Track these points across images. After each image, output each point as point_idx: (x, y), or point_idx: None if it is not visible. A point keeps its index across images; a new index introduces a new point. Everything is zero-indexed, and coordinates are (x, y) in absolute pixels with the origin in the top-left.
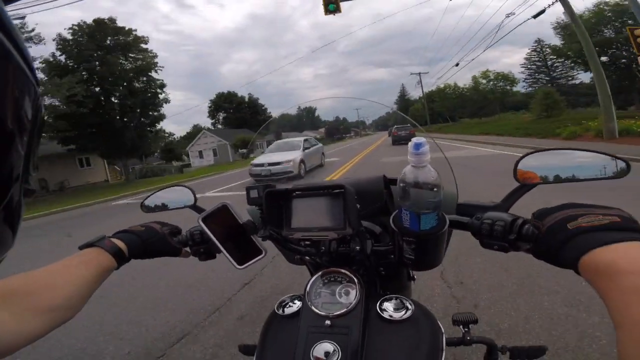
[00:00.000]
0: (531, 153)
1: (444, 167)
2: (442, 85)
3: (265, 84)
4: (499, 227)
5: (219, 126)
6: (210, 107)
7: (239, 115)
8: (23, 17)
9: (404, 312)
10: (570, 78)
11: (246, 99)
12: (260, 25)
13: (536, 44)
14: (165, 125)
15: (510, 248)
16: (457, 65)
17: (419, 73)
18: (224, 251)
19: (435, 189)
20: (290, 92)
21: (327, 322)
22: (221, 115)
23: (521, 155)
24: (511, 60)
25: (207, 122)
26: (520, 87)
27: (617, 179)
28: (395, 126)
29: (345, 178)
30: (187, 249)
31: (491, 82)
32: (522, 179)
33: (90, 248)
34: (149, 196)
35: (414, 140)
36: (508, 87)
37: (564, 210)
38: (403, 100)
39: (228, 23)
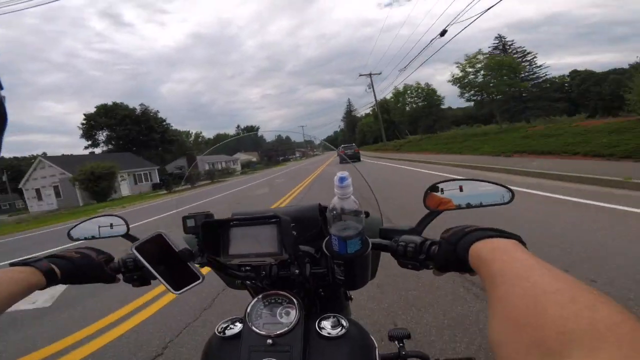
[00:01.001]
0: (441, 182)
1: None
2: (401, 88)
3: (209, 103)
4: (411, 249)
5: (97, 150)
6: (83, 124)
7: (124, 134)
8: None
9: (339, 329)
10: (538, 79)
11: (138, 112)
12: (204, 45)
13: (497, 41)
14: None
15: (421, 266)
16: (442, 35)
17: (370, 74)
18: (159, 277)
19: (358, 217)
20: (236, 113)
21: (269, 341)
22: (102, 135)
23: (431, 184)
24: (443, 77)
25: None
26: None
27: (508, 204)
28: (342, 146)
29: (282, 207)
30: (120, 276)
31: (481, 73)
32: (436, 206)
33: (24, 267)
34: (76, 225)
35: (339, 174)
36: (512, 78)
37: (465, 224)
38: (349, 117)
39: (168, 42)
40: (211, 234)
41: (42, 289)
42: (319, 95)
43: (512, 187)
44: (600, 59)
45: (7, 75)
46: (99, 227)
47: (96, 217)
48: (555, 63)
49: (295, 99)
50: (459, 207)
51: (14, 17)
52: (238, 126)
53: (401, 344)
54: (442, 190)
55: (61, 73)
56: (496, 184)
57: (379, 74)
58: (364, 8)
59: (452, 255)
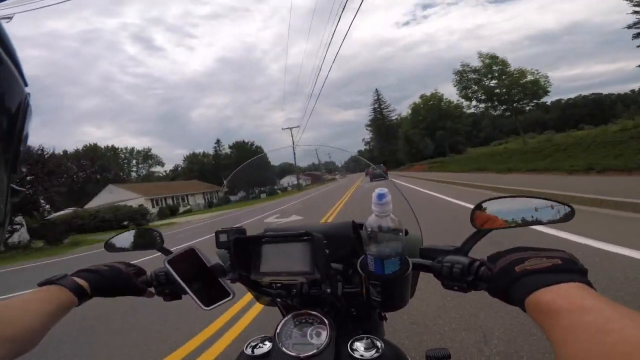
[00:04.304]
0: (489, 200)
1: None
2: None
3: (238, 127)
4: (457, 270)
5: None
6: None
7: None
8: (10, 17)
9: (374, 351)
10: None
11: None
12: (231, 69)
13: None
14: None
15: (469, 288)
16: None
17: None
18: (190, 292)
19: (397, 236)
20: (264, 137)
21: None
22: None
23: (478, 202)
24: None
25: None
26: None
27: (565, 223)
28: (371, 166)
29: (315, 225)
30: (152, 289)
31: None
32: (483, 224)
33: (51, 285)
34: (114, 236)
35: (377, 191)
36: None
37: (513, 254)
38: (381, 119)
39: (198, 66)
40: (243, 249)
41: (76, 305)
42: (340, 117)
43: (566, 202)
44: (627, 66)
45: (52, 97)
46: (135, 239)
47: (133, 230)
48: (583, 72)
49: (318, 122)
50: (509, 226)
51: (53, 39)
52: (218, 142)
53: None
54: (490, 207)
55: (99, 97)
56: (551, 200)
57: None
58: (381, 28)
59: (504, 291)
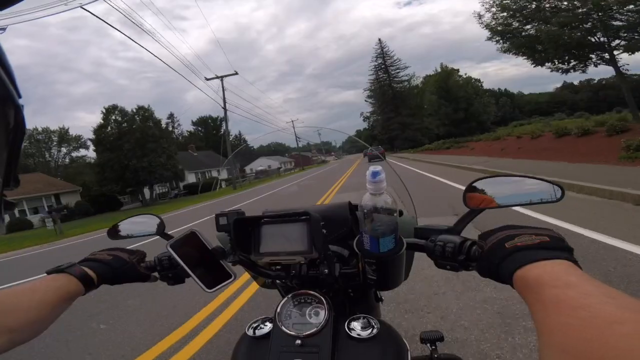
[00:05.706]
0: (481, 179)
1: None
2: None
3: (233, 109)
4: (450, 249)
5: None
6: None
7: None
8: (4, 29)
9: (370, 330)
10: None
11: None
12: (225, 51)
13: None
14: None
15: (460, 267)
16: None
17: None
18: (193, 276)
19: (391, 214)
20: (259, 118)
21: (298, 341)
22: None
23: (470, 181)
24: (472, 74)
25: None
26: None
27: (556, 203)
28: (369, 148)
29: (312, 205)
30: (155, 274)
31: None
32: (476, 204)
33: (60, 274)
34: (116, 224)
35: (371, 169)
36: None
37: (503, 231)
38: (385, 77)
39: (190, 49)
40: (243, 231)
41: (83, 294)
42: (340, 98)
43: (558, 182)
44: None
45: (42, 86)
46: (137, 226)
47: (134, 216)
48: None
49: (317, 102)
50: (500, 206)
51: (39, 28)
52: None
53: (433, 347)
54: (483, 187)
55: (91, 83)
56: (543, 179)
57: None
58: (382, 7)
59: (494, 268)
